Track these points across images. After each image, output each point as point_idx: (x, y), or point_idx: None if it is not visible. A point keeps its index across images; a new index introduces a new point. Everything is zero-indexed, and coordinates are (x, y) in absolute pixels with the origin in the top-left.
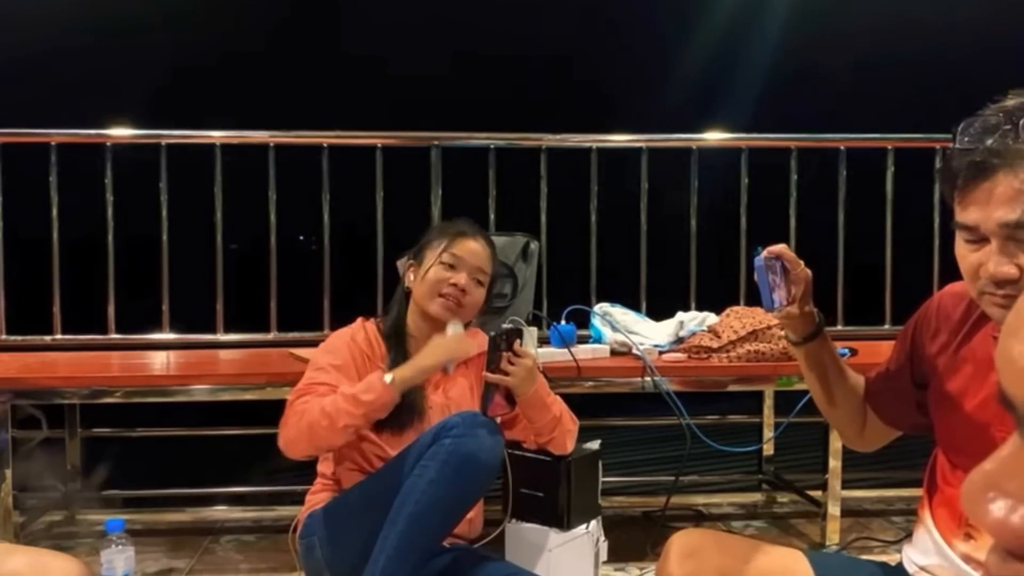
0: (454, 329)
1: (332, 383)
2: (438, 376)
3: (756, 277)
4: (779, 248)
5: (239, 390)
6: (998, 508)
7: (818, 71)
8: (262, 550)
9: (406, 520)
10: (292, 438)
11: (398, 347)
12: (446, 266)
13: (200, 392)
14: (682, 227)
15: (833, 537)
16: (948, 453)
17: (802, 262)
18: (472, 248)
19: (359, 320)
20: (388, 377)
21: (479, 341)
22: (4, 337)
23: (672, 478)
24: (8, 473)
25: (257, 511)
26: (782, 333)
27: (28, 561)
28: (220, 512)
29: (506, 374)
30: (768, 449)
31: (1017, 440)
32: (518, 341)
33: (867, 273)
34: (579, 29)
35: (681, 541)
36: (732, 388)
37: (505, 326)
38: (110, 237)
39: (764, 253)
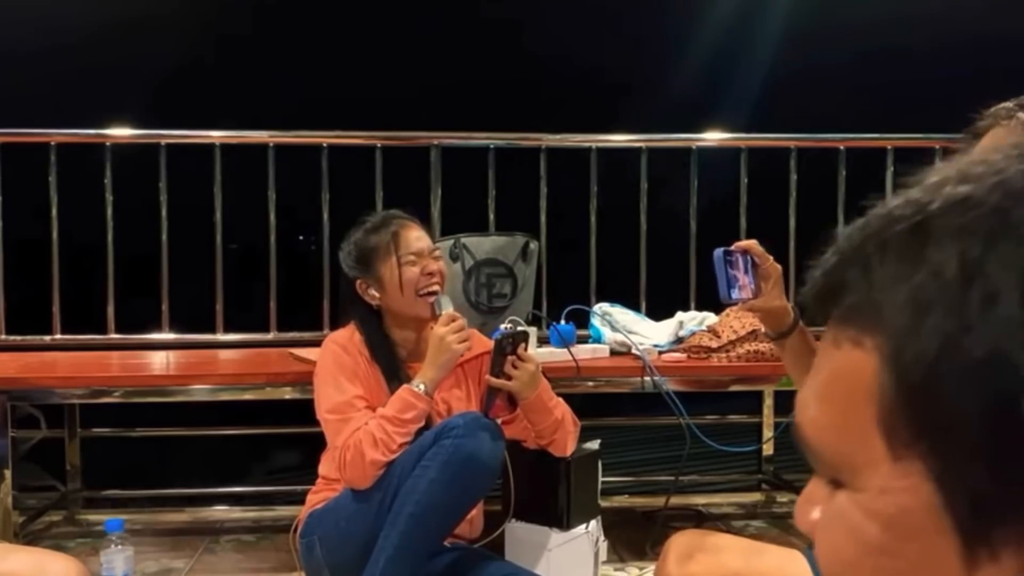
0: (446, 307)
1: (364, 408)
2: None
3: (715, 269)
4: (747, 243)
5: (239, 390)
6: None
7: (818, 70)
8: (262, 550)
9: (406, 520)
10: (358, 476)
11: (391, 361)
12: (410, 265)
13: (200, 392)
14: (682, 227)
15: None
16: None
17: (771, 257)
18: (415, 235)
19: (351, 325)
20: (420, 387)
21: (482, 343)
22: (3, 337)
23: (672, 478)
24: (7, 473)
25: (257, 511)
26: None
27: (27, 561)
28: (220, 512)
29: (509, 378)
30: (768, 449)
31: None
32: (523, 345)
33: None
34: (579, 29)
35: (680, 542)
36: (732, 388)
37: (505, 326)
38: (110, 237)
39: (732, 247)
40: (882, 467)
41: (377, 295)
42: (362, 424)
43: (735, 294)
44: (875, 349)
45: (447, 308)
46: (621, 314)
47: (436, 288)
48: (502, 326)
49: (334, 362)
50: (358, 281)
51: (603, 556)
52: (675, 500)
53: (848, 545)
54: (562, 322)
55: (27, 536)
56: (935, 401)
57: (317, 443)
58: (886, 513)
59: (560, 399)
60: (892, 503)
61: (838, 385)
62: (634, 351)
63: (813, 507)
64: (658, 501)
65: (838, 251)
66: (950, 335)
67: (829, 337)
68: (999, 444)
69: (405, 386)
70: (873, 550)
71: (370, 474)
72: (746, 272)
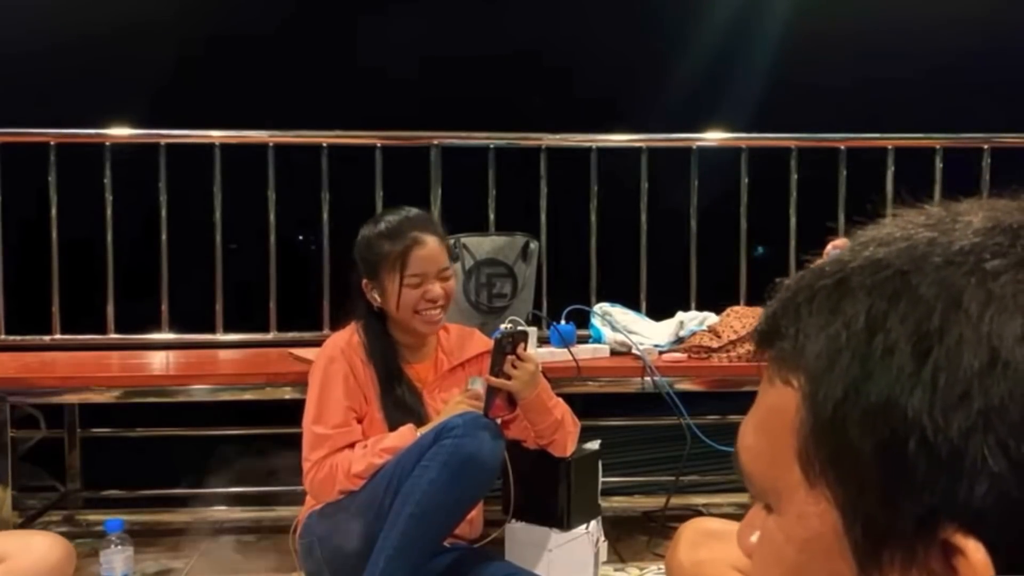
0: (477, 386)
1: (352, 422)
2: (435, 379)
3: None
4: (843, 241)
5: (239, 390)
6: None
7: (818, 70)
8: (262, 550)
9: (406, 520)
10: (323, 495)
11: (388, 364)
12: (412, 286)
13: (200, 392)
14: (682, 227)
15: None
16: None
17: None
18: (426, 254)
19: (352, 326)
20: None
21: (483, 343)
22: (3, 337)
23: (672, 478)
24: (7, 473)
25: (257, 511)
26: None
27: (13, 541)
28: (220, 512)
29: (509, 378)
30: None
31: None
32: (523, 345)
33: None
34: (579, 29)
35: (691, 530)
36: (733, 388)
37: (506, 326)
38: (110, 237)
39: (829, 247)
40: (799, 493)
41: (379, 299)
42: (342, 446)
43: None
44: (799, 388)
45: (477, 387)
46: (621, 314)
47: (435, 313)
48: (502, 326)
49: (326, 369)
50: (364, 280)
51: (603, 556)
52: (675, 500)
53: (772, 567)
54: (562, 322)
55: None
56: (840, 437)
57: None
58: (802, 537)
59: (560, 399)
60: (807, 527)
61: (770, 418)
62: (634, 351)
63: (753, 531)
64: (658, 501)
65: (778, 299)
66: (854, 379)
67: (767, 375)
68: (888, 478)
69: (411, 426)
70: (790, 572)
71: (335, 498)
72: None
